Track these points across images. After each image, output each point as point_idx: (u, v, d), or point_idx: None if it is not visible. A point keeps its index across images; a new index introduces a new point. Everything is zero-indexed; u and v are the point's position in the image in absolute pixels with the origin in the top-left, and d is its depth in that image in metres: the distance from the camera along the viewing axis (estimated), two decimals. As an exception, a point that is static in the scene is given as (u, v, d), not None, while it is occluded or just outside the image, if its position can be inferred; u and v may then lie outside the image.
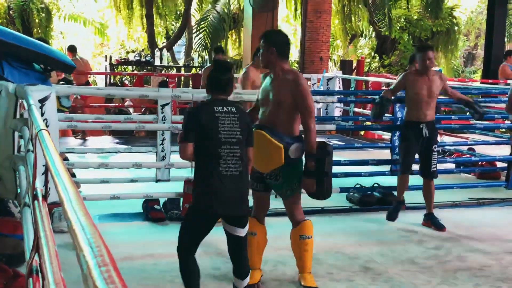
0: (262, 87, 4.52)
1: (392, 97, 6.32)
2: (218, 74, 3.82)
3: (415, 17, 19.51)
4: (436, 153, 6.12)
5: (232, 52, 22.72)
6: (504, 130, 10.49)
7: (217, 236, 4.20)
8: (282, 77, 4.30)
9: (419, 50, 6.15)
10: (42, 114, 5.28)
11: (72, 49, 12.57)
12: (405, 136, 6.19)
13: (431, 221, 6.12)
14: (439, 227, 6.04)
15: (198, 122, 3.67)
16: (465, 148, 9.19)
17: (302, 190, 4.45)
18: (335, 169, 7.05)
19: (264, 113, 4.41)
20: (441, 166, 7.93)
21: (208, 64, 15.46)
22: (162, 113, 6.38)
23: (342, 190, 6.85)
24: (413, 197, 6.71)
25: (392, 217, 6.21)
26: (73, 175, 7.04)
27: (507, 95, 6.76)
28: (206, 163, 3.70)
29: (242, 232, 3.83)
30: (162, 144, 6.52)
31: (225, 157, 3.67)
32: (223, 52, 11.03)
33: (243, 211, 3.81)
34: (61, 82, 7.97)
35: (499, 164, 8.48)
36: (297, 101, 4.24)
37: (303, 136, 4.39)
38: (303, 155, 4.37)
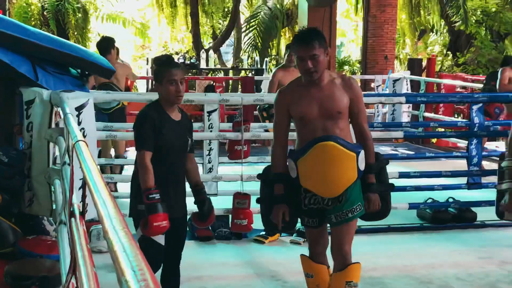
0: (294, 101, 3.95)
1: None
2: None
3: (494, 9, 19.16)
4: None
5: (285, 51, 22.77)
6: None
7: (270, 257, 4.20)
8: (331, 81, 3.91)
9: None
10: (79, 123, 5.36)
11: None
12: None
13: None
14: None
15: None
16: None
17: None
18: (405, 181, 7.00)
19: (316, 130, 3.88)
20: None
21: (263, 66, 15.52)
22: (209, 120, 6.42)
23: (412, 205, 6.76)
24: (493, 214, 6.55)
25: None
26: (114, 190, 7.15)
27: None
28: None
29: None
30: (209, 155, 6.56)
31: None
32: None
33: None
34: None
35: None
36: (353, 105, 3.91)
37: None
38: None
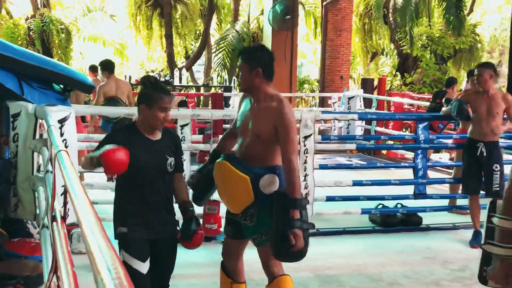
0: (240, 111, 3.81)
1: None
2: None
3: (437, 35, 19.45)
4: (497, 173, 6.11)
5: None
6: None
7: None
8: (265, 103, 3.60)
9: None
10: (62, 135, 5.31)
11: (93, 69, 12.63)
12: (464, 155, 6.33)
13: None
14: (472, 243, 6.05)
15: None
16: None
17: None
18: (358, 189, 7.05)
19: (241, 145, 3.72)
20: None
21: (231, 84, 15.54)
22: (182, 133, 6.40)
23: (364, 211, 6.80)
24: (437, 218, 6.64)
25: (472, 244, 6.10)
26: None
27: None
28: None
29: None
30: (181, 164, 6.52)
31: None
32: (95, 71, 11.38)
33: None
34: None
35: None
36: (279, 133, 3.52)
37: (280, 167, 3.62)
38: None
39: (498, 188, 6.05)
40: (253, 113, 3.65)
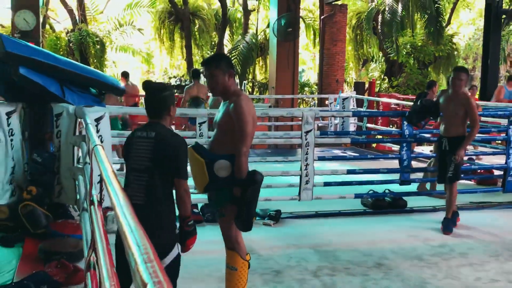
0: (219, 110, 3.75)
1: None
2: (146, 97, 3.09)
3: (420, 44, 19.36)
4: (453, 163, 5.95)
5: (259, 76, 22.78)
6: (499, 142, 10.30)
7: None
8: (229, 99, 3.55)
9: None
10: (98, 131, 5.33)
11: (125, 75, 12.65)
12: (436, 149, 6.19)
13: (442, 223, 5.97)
14: (444, 229, 5.87)
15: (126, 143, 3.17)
16: (465, 158, 9.04)
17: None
18: (352, 177, 7.04)
19: (212, 136, 3.72)
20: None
21: (241, 88, 15.52)
22: (200, 129, 6.41)
23: (357, 195, 6.79)
24: (419, 201, 6.63)
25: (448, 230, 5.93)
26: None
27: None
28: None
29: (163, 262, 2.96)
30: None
31: (131, 183, 2.98)
32: (126, 77, 11.68)
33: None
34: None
35: (496, 172, 8.34)
36: (235, 123, 3.46)
37: None
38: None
39: (451, 175, 5.95)
40: (223, 109, 3.61)
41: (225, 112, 3.55)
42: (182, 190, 2.98)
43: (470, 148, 9.49)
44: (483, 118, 8.44)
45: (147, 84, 3.11)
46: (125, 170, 3.14)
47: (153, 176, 2.93)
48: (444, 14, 20.04)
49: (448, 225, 5.87)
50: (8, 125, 5.47)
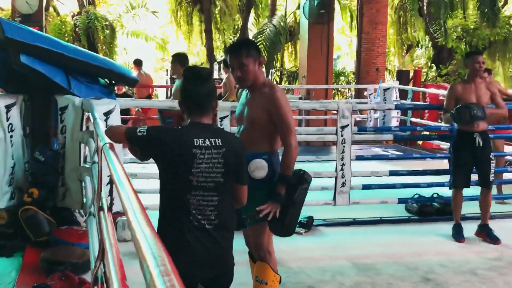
0: (239, 102, 3.80)
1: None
2: (193, 86, 2.85)
3: (472, 27, 19.11)
4: (493, 162, 5.94)
5: (288, 64, 22.76)
6: None
7: None
8: (258, 91, 3.58)
9: (467, 56, 6.09)
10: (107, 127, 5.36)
11: (138, 63, 12.72)
12: (457, 147, 6.06)
13: (485, 233, 5.92)
14: (494, 239, 5.83)
15: (169, 152, 2.73)
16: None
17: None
18: (395, 179, 6.98)
19: (238, 132, 3.69)
20: (500, 176, 7.72)
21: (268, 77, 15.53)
22: (221, 125, 6.41)
23: (401, 200, 6.74)
24: (473, 208, 6.50)
25: (458, 238, 5.95)
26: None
27: None
28: (171, 209, 2.80)
29: None
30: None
31: (196, 205, 2.76)
32: (139, 65, 11.24)
33: (223, 271, 2.91)
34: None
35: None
36: (274, 118, 3.52)
37: (274, 154, 3.63)
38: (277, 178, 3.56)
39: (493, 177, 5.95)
40: (248, 101, 3.65)
41: (256, 106, 3.56)
42: (245, 197, 3.00)
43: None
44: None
45: (195, 72, 2.89)
46: (166, 185, 2.83)
47: (225, 192, 2.83)
48: (501, -8, 19.76)
49: (492, 232, 5.86)
50: (8, 119, 5.54)
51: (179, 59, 7.86)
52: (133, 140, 2.82)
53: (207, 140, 2.76)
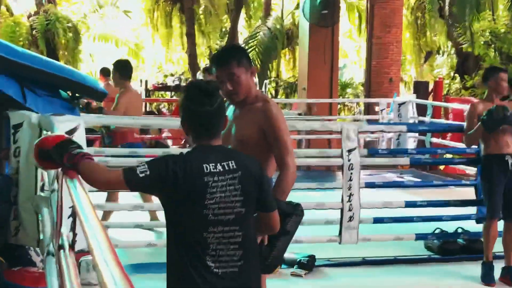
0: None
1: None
2: (199, 106, 2.79)
3: (503, 30, 19.28)
4: None
5: (285, 73, 22.86)
6: None
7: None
8: (251, 105, 3.58)
9: (489, 71, 6.18)
10: (69, 148, 5.35)
11: (105, 73, 12.71)
12: (489, 173, 6.05)
13: (510, 277, 5.91)
14: None
15: (175, 185, 2.68)
16: None
17: None
18: (412, 211, 6.98)
19: None
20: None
21: (262, 89, 15.59)
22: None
23: (419, 236, 6.72)
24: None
25: (488, 282, 5.94)
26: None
27: None
28: (183, 253, 2.71)
29: None
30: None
31: (216, 244, 2.70)
32: (106, 75, 11.21)
33: None
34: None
35: None
36: (269, 136, 3.52)
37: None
38: None
39: None
40: (236, 118, 3.64)
41: (246, 123, 3.57)
42: (277, 222, 2.99)
43: None
44: None
45: (201, 88, 2.83)
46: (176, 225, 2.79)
47: (247, 223, 2.79)
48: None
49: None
50: (-49, 139, 5.52)
51: (118, 68, 7.81)
52: (138, 186, 2.78)
53: (218, 164, 2.72)
